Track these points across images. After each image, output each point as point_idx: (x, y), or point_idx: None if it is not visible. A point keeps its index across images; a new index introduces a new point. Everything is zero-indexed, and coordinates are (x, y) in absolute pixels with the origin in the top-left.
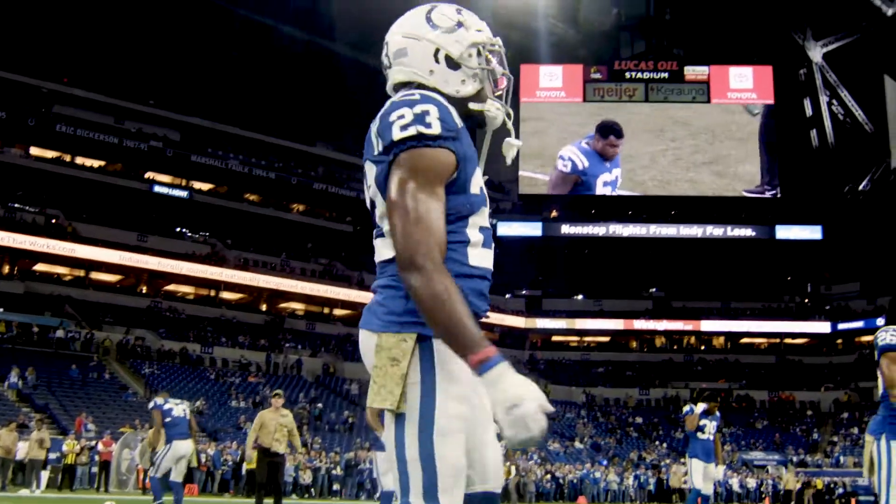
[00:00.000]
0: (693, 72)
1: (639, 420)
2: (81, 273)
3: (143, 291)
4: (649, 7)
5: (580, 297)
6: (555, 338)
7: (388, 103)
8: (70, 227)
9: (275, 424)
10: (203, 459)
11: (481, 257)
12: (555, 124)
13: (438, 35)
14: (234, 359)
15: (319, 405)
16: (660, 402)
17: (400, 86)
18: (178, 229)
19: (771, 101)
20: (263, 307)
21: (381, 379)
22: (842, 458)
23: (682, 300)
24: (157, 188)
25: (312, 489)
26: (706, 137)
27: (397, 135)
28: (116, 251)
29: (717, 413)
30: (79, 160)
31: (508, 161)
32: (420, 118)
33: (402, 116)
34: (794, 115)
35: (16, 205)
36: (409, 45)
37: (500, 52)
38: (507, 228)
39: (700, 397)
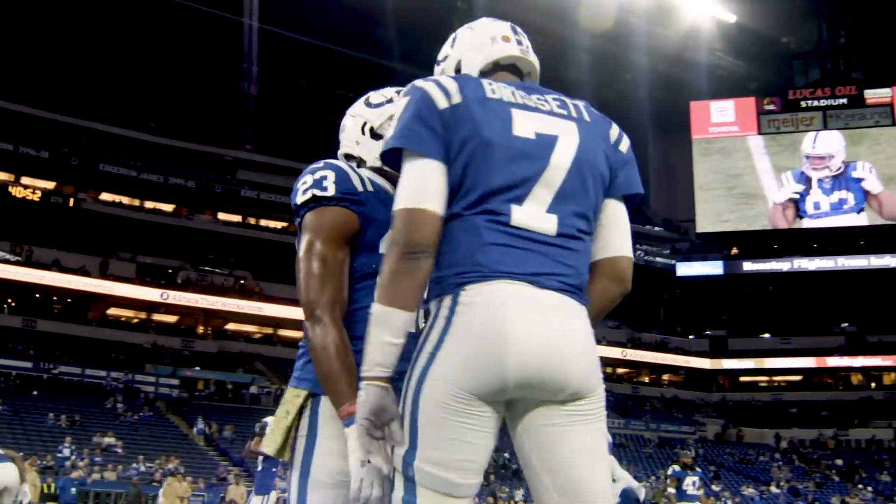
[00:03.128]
0: (874, 95)
1: (839, 462)
2: (270, 331)
3: None
4: (822, 33)
5: (767, 335)
6: (742, 378)
7: None
8: (257, 287)
9: None
10: None
11: None
12: (731, 157)
13: (367, 110)
14: None
15: None
16: (860, 442)
17: (344, 157)
18: None
19: None
20: None
21: (273, 426)
22: None
23: (878, 334)
24: None
25: None
26: None
27: (299, 199)
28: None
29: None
30: (263, 222)
31: None
32: (318, 182)
33: (304, 182)
34: None
35: (206, 268)
36: (347, 122)
37: None
38: (687, 269)
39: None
